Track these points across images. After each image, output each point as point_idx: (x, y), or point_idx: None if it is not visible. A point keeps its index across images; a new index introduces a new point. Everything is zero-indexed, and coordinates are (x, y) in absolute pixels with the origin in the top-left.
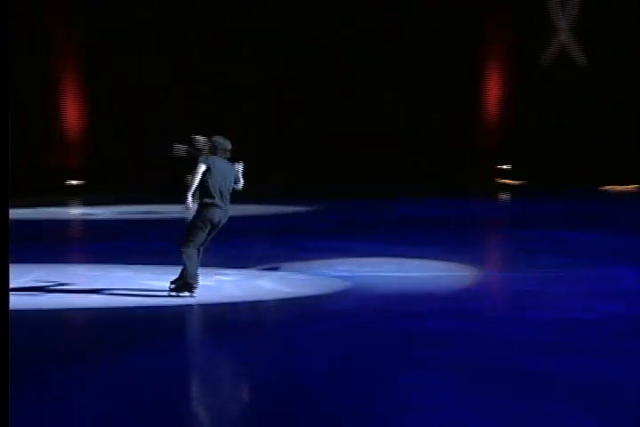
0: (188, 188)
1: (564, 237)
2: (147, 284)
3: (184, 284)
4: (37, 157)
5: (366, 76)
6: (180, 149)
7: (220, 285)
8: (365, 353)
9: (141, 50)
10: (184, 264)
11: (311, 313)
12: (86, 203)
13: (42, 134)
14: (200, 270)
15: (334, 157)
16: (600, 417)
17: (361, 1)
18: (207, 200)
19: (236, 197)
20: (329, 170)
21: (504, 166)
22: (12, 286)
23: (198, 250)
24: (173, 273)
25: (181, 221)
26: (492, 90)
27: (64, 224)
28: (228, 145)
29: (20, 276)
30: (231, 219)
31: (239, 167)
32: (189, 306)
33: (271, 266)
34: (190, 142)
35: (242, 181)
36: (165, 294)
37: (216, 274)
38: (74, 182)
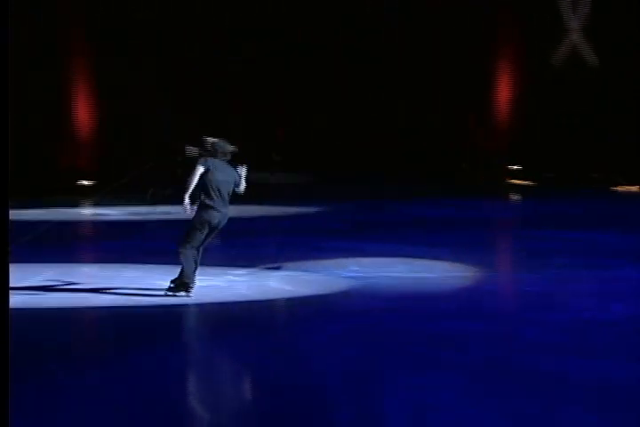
0: (185, 189)
1: (575, 238)
2: (157, 284)
3: (181, 284)
4: (49, 158)
5: (366, 76)
6: (192, 150)
7: (232, 284)
8: (377, 354)
9: (141, 50)
10: (182, 265)
11: (323, 313)
12: (97, 203)
13: (53, 135)
14: (211, 270)
15: (345, 157)
16: (614, 419)
17: (361, 1)
18: (206, 202)
19: (247, 197)
20: (340, 170)
21: (515, 167)
22: (23, 285)
23: (198, 250)
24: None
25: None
26: (503, 90)
27: (75, 224)
28: (229, 148)
29: (32, 275)
30: (243, 219)
31: (242, 171)
32: (200, 306)
33: (274, 265)
34: (201, 144)
35: (244, 184)
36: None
37: (228, 274)
38: (85, 183)
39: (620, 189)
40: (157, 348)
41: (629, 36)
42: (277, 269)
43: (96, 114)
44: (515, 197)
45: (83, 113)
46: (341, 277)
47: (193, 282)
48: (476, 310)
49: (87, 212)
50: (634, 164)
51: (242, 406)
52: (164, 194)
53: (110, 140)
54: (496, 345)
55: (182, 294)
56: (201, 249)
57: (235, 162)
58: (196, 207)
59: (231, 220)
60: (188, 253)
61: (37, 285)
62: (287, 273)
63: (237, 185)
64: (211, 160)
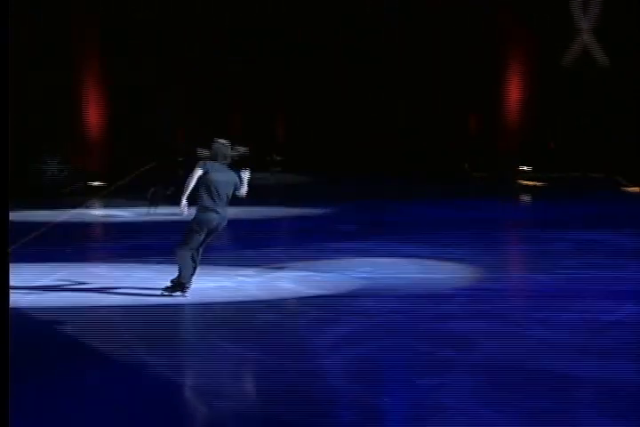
0: (183, 191)
1: (586, 239)
2: (167, 284)
3: (177, 284)
4: (60, 159)
5: (366, 76)
6: (203, 152)
7: (242, 285)
8: (387, 354)
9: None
10: (179, 266)
11: (331, 313)
12: (108, 204)
13: (64, 136)
14: (221, 271)
15: (344, 157)
16: (626, 420)
17: (361, 1)
18: (204, 205)
19: (255, 198)
20: (340, 170)
21: (525, 168)
22: (35, 284)
23: (198, 251)
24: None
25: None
26: (513, 91)
27: (87, 225)
28: (229, 151)
29: (44, 276)
30: (252, 220)
31: (245, 175)
32: (209, 306)
33: (281, 266)
34: (212, 146)
35: (246, 188)
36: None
37: (238, 274)
38: (95, 184)
39: (630, 189)
40: (164, 348)
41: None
42: (285, 269)
43: (106, 115)
44: (525, 197)
45: (93, 114)
46: (351, 278)
47: (189, 282)
48: (485, 311)
49: (97, 213)
50: (634, 164)
51: (247, 407)
52: (164, 194)
53: (117, 140)
54: (506, 346)
55: (178, 294)
56: (201, 250)
57: (239, 165)
58: (195, 209)
59: (239, 221)
60: (185, 254)
61: (49, 284)
62: (297, 274)
63: (238, 188)
64: (210, 163)
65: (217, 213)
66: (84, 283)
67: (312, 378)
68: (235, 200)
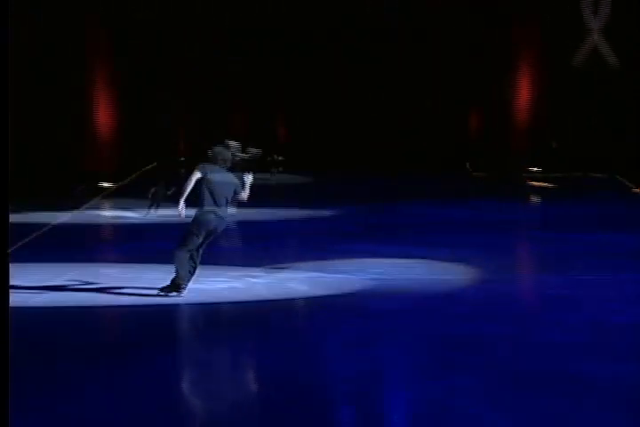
0: (181, 194)
1: (596, 240)
2: (165, 284)
3: (174, 284)
4: (70, 160)
5: (366, 76)
6: (216, 150)
7: (251, 286)
8: (396, 356)
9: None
10: (175, 266)
11: (340, 314)
12: (118, 206)
13: (74, 137)
14: (231, 272)
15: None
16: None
17: (361, 1)
18: (203, 207)
19: (260, 200)
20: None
21: (535, 168)
22: (46, 284)
23: (197, 252)
24: (202, 275)
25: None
26: (523, 91)
27: (97, 226)
28: (228, 155)
29: (55, 276)
30: (261, 222)
31: (248, 179)
32: (219, 306)
33: (287, 266)
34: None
35: (248, 192)
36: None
37: (247, 275)
38: (106, 185)
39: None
40: (171, 348)
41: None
42: (295, 270)
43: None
44: (535, 198)
45: (103, 115)
46: (361, 279)
47: (185, 283)
48: (494, 313)
49: (107, 214)
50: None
51: (255, 406)
52: (165, 194)
53: (127, 141)
54: (517, 348)
55: (174, 294)
56: (201, 251)
57: (242, 169)
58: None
59: (248, 222)
60: (183, 255)
61: (60, 284)
62: (306, 275)
63: (238, 191)
64: (209, 166)
65: (216, 215)
66: (95, 284)
67: (317, 378)
68: (242, 202)
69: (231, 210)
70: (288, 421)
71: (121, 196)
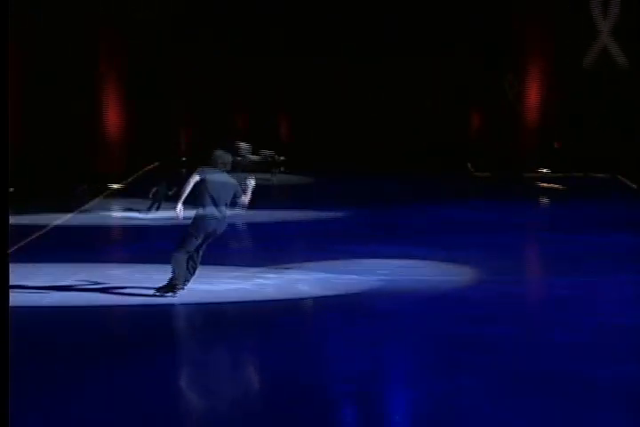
0: (179, 196)
1: (605, 242)
2: (186, 286)
3: (170, 285)
4: (80, 162)
5: (366, 76)
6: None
7: (256, 286)
8: (402, 357)
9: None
10: (172, 267)
11: (348, 315)
12: (120, 206)
13: (84, 138)
14: (240, 273)
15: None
16: None
17: (361, 1)
18: (202, 210)
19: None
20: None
21: (544, 170)
22: (56, 284)
23: (198, 253)
24: (210, 276)
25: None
26: (533, 92)
27: (106, 227)
28: (228, 158)
29: (66, 276)
30: (268, 223)
31: (250, 183)
32: (226, 307)
33: (294, 268)
34: (236, 150)
35: (249, 196)
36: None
37: (256, 277)
38: (115, 186)
39: None
40: (173, 348)
41: None
42: (302, 271)
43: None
44: (544, 200)
45: (113, 116)
46: (368, 280)
47: (181, 284)
48: (502, 314)
49: (116, 214)
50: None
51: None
52: (166, 193)
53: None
54: (523, 349)
55: (169, 294)
56: (201, 251)
57: (252, 171)
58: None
59: (255, 224)
60: (181, 257)
61: (70, 284)
62: (315, 276)
63: (238, 195)
64: (208, 169)
65: (214, 218)
66: (104, 284)
67: (323, 379)
68: (243, 206)
69: (239, 210)
70: (289, 421)
71: (122, 196)
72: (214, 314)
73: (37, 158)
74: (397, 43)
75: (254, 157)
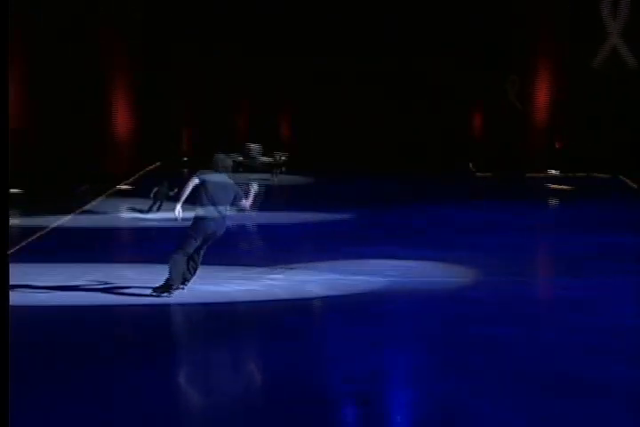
0: (178, 198)
1: (613, 243)
2: (195, 287)
3: (166, 285)
4: (89, 162)
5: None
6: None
7: (269, 288)
8: (411, 357)
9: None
10: (169, 268)
11: (355, 316)
12: (129, 207)
13: (93, 139)
14: (249, 274)
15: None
16: None
17: (361, 1)
18: (201, 212)
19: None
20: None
21: (553, 171)
22: (56, 284)
23: (198, 254)
24: (217, 276)
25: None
26: (542, 93)
27: (116, 229)
28: (229, 162)
29: (67, 277)
30: (275, 225)
31: (253, 188)
32: (236, 307)
33: (303, 269)
34: (246, 151)
35: (251, 200)
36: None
37: (264, 277)
38: (124, 187)
39: None
40: (183, 348)
41: None
42: (311, 272)
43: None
44: (553, 201)
45: (122, 117)
46: (377, 281)
47: (177, 284)
48: (511, 315)
49: (125, 215)
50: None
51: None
52: (167, 193)
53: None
54: (532, 350)
55: (165, 294)
56: (202, 252)
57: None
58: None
59: (264, 226)
60: (179, 258)
61: (79, 284)
62: (323, 277)
63: (238, 198)
64: (208, 172)
65: (213, 220)
66: (113, 284)
67: (329, 380)
68: (244, 210)
69: (246, 211)
70: (290, 420)
71: (123, 195)
72: (220, 314)
73: (45, 159)
74: (397, 43)
75: (265, 159)
